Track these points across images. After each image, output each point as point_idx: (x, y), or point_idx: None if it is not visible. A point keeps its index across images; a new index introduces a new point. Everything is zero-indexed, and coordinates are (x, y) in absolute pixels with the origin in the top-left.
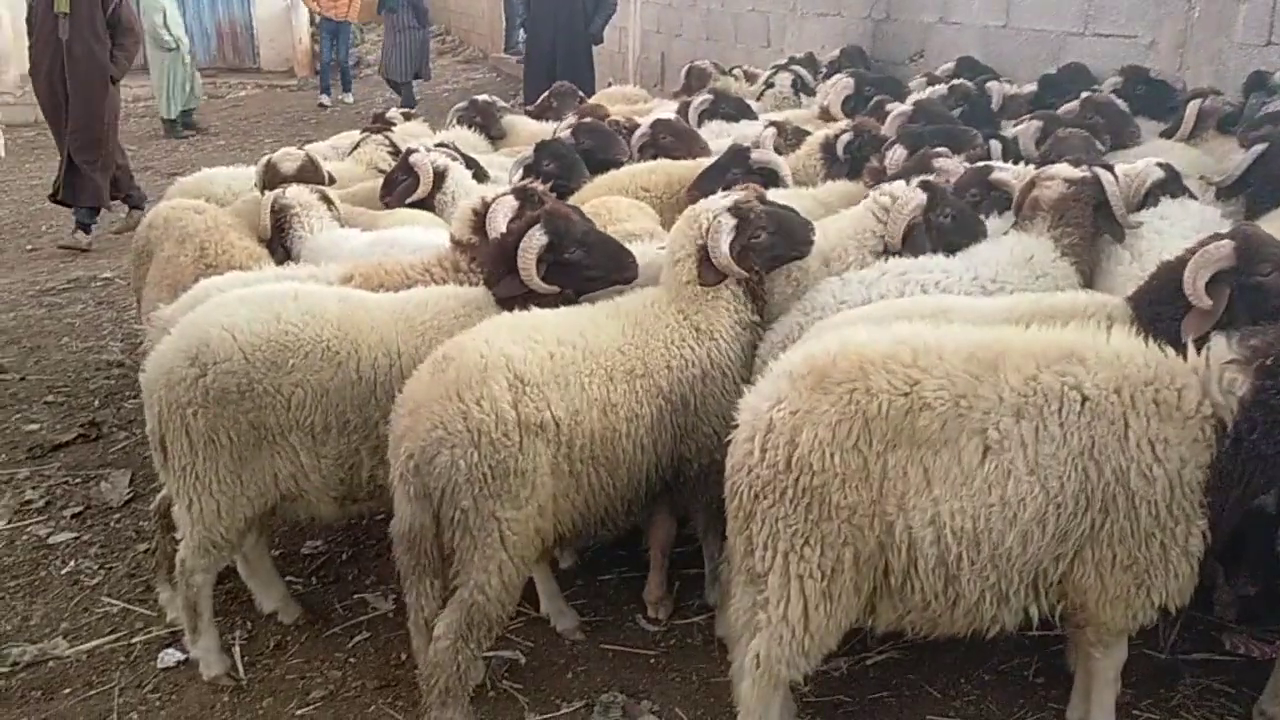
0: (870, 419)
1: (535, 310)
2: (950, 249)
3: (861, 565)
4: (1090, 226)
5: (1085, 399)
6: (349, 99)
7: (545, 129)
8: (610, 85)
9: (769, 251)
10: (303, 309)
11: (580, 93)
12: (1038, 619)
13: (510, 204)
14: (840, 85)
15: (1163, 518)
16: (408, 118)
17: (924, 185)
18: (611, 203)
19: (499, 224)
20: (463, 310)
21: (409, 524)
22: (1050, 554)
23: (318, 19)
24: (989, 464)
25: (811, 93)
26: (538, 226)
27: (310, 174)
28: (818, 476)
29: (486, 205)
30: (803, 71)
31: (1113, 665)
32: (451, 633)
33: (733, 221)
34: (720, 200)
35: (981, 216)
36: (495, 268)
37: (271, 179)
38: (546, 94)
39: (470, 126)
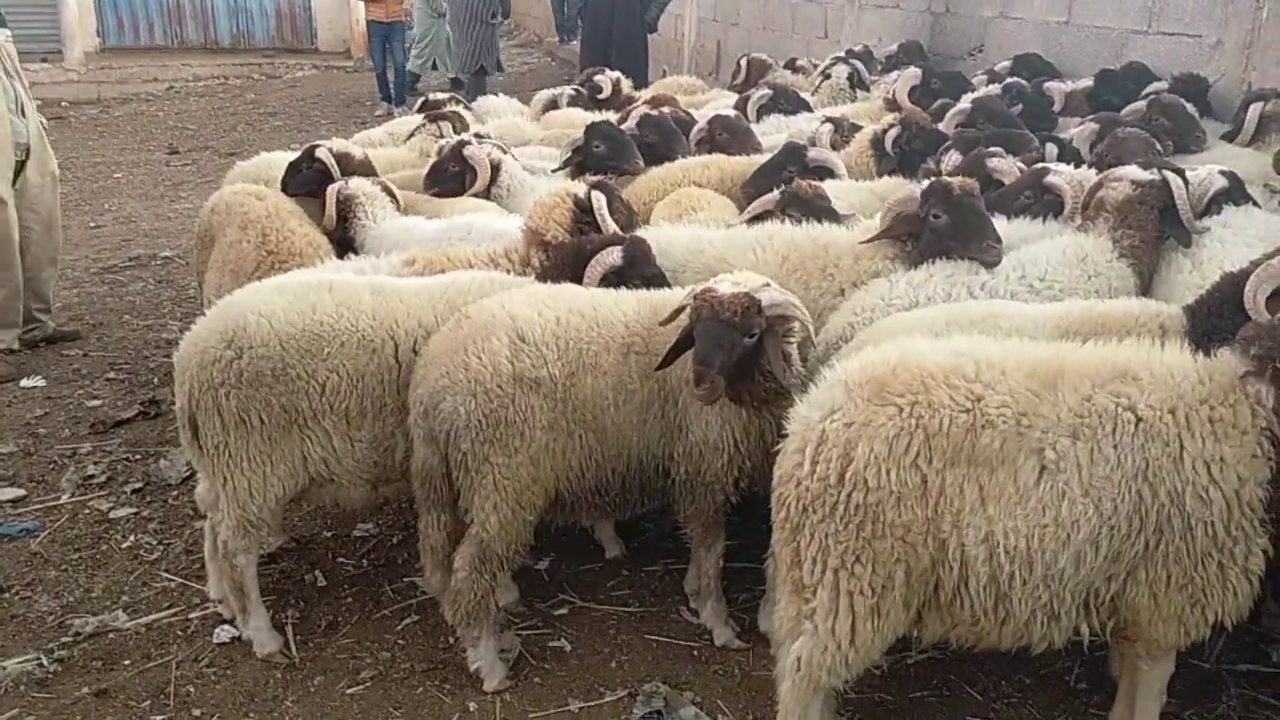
0: (931, 435)
1: (568, 285)
2: (948, 250)
3: (913, 582)
4: (1154, 230)
5: (1139, 420)
6: (397, 112)
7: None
8: (665, 74)
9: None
10: (337, 300)
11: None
12: (1088, 636)
13: (602, 199)
14: (907, 75)
15: (1220, 538)
16: (455, 101)
17: (929, 184)
18: (695, 193)
19: (609, 222)
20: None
21: (421, 462)
22: (1103, 574)
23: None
24: (1044, 484)
25: (866, 87)
26: (619, 247)
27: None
28: (872, 494)
29: (580, 203)
30: (859, 65)
31: (1159, 677)
32: (467, 565)
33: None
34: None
35: (1032, 219)
36: (561, 265)
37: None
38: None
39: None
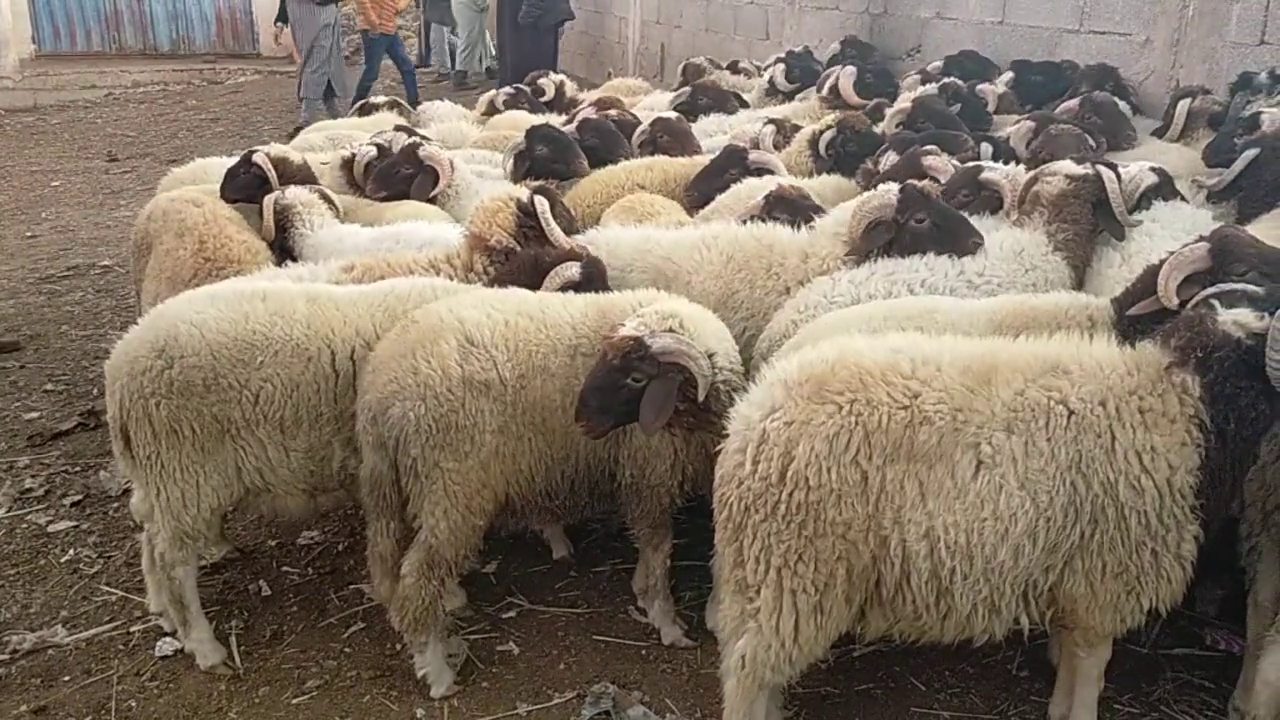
0: (870, 432)
1: (515, 289)
2: (926, 252)
3: (854, 579)
4: (1088, 223)
5: (1071, 413)
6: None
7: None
8: (610, 76)
9: None
10: (271, 309)
11: None
12: (1028, 626)
13: (545, 204)
14: (847, 73)
15: (1153, 526)
16: (391, 106)
17: (902, 189)
18: (647, 199)
19: (553, 226)
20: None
21: (370, 469)
22: (1041, 566)
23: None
24: (982, 478)
25: (777, 92)
26: (577, 263)
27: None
28: (814, 492)
29: (524, 208)
30: (775, 72)
31: (1096, 664)
32: (415, 571)
33: None
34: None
35: (969, 216)
36: (516, 274)
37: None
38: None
39: None
